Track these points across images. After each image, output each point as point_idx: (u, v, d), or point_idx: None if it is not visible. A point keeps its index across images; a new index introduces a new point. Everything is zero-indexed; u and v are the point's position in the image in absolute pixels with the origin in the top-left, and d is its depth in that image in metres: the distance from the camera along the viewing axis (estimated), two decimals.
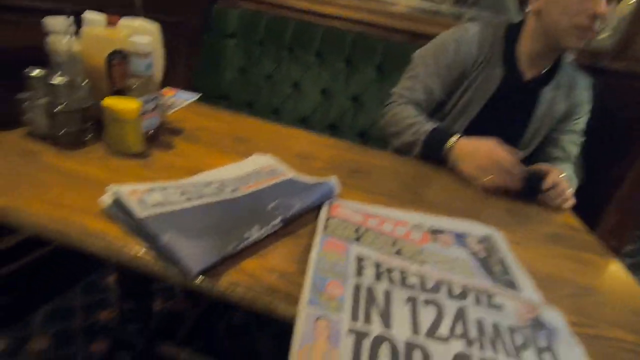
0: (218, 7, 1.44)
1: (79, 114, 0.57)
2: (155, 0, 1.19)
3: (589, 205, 0.75)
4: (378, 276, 0.39)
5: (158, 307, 1.13)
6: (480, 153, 0.74)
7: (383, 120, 0.93)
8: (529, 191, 0.73)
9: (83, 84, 0.58)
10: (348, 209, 0.53)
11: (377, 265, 0.41)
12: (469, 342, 0.34)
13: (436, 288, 0.40)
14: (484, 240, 0.53)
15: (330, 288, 0.36)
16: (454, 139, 0.78)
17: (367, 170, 0.73)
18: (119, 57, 0.58)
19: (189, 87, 1.41)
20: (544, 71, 0.85)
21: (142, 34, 0.59)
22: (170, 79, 1.37)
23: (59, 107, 0.54)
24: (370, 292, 0.37)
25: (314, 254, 0.40)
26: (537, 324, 0.37)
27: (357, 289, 0.37)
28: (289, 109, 1.40)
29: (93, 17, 0.61)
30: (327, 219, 0.48)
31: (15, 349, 0.96)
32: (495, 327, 0.36)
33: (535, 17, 0.81)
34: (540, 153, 0.92)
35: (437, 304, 0.37)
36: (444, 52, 0.86)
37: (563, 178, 0.72)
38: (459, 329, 0.35)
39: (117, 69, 0.59)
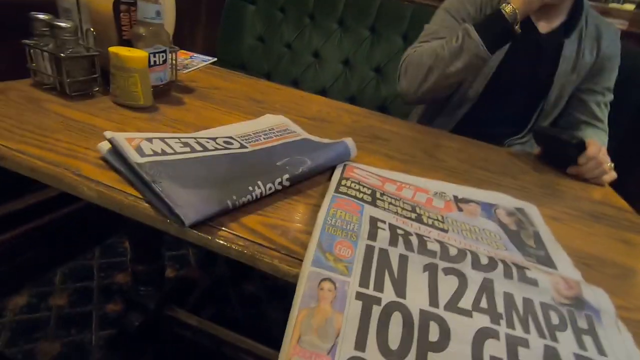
0: None
1: (86, 61, 0.54)
2: None
3: (628, 188, 0.67)
4: (393, 240, 0.34)
5: (171, 274, 1.14)
6: None
7: (404, 68, 0.82)
8: (563, 159, 0.66)
9: (90, 31, 0.55)
10: (365, 172, 0.48)
11: (394, 228, 0.36)
12: (495, 318, 0.29)
13: (460, 257, 0.33)
14: (516, 212, 0.47)
15: (339, 248, 0.32)
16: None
17: (387, 137, 0.68)
18: (125, 3, 0.55)
19: (208, 54, 1.38)
20: (560, 22, 0.79)
21: None
22: (189, 47, 1.35)
23: (65, 53, 0.52)
24: (383, 254, 0.32)
25: (323, 211, 0.36)
26: (578, 303, 0.32)
27: (369, 250, 0.32)
28: (308, 80, 1.34)
29: None
30: (341, 179, 0.44)
31: (36, 304, 0.99)
32: (528, 303, 0.31)
33: None
34: (565, 115, 0.85)
35: (460, 273, 0.32)
36: (458, 4, 0.83)
37: (603, 152, 0.65)
38: (483, 303, 0.30)
39: (125, 16, 0.56)
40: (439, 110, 0.92)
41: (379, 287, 0.29)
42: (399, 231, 0.35)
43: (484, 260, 0.34)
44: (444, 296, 0.30)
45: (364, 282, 0.29)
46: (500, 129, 0.87)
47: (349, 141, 0.51)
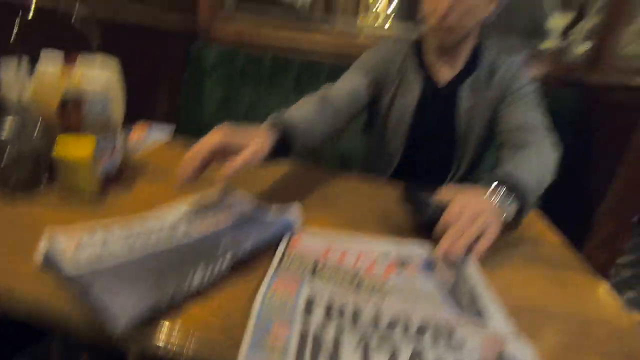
0: (198, 44, 1.47)
1: (32, 158, 0.56)
2: (137, 43, 1.21)
3: (578, 218, 0.72)
4: (328, 316, 0.36)
5: None
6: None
7: None
8: (424, 225, 0.57)
9: (36, 127, 0.57)
10: (309, 241, 0.51)
11: (329, 304, 0.38)
12: None
13: (392, 325, 0.36)
14: (454, 266, 0.50)
15: (276, 329, 0.34)
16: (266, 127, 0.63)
17: (336, 196, 0.71)
18: (73, 99, 0.58)
19: (172, 121, 1.43)
20: (457, 72, 0.86)
21: (99, 73, 0.59)
22: (152, 115, 1.39)
23: (8, 152, 0.53)
24: (316, 340, 0.34)
25: (259, 296, 0.38)
26: None
27: (302, 337, 0.34)
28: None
29: (49, 57, 0.61)
30: (284, 254, 0.46)
31: None
32: None
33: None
34: (497, 139, 0.85)
35: (391, 344, 0.34)
36: (367, 59, 0.90)
37: (467, 216, 0.51)
38: None
39: (72, 111, 0.58)
40: (373, 165, 0.99)
41: None
42: (335, 306, 0.38)
43: (414, 328, 0.37)
44: None
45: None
46: (430, 178, 0.91)
47: (294, 211, 0.54)
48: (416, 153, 0.92)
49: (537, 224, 0.70)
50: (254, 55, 1.41)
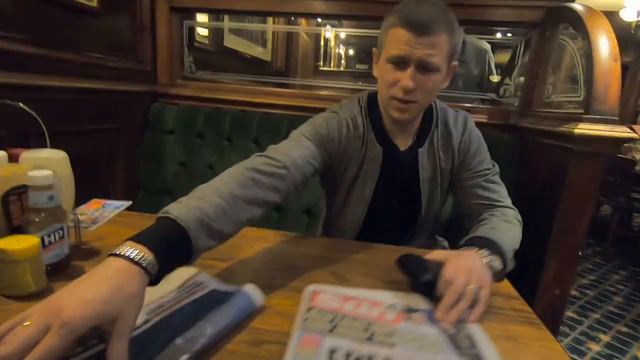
0: (156, 106, 1.49)
1: None
2: (88, 108, 1.21)
3: (532, 255, 0.76)
4: None
5: None
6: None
7: None
8: (423, 288, 0.61)
9: None
10: (327, 294, 0.58)
11: (347, 354, 0.45)
12: None
13: None
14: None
15: None
16: (140, 252, 0.44)
17: (300, 263, 0.71)
18: (16, 193, 0.57)
19: (132, 186, 1.40)
20: (415, 136, 0.85)
21: (45, 166, 0.58)
22: (108, 184, 1.36)
23: None
24: None
25: (290, 350, 0.45)
26: None
27: None
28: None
29: None
30: (308, 311, 0.54)
31: None
32: None
33: (378, 87, 0.82)
34: (460, 206, 0.91)
35: None
36: (321, 131, 0.80)
37: (457, 284, 0.57)
38: None
39: (15, 205, 0.57)
40: (335, 228, 0.97)
41: None
42: (353, 357, 0.45)
43: None
44: None
45: None
46: (391, 236, 0.90)
47: (252, 290, 0.54)
48: (377, 221, 0.90)
49: None
50: (214, 113, 1.45)
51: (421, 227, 0.95)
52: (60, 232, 0.59)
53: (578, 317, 2.02)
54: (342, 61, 7.14)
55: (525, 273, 0.73)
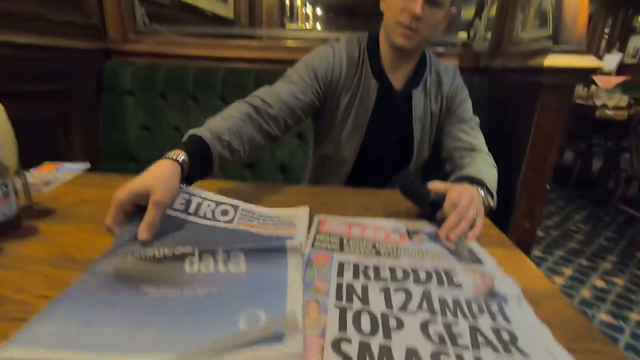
0: (110, 65, 1.37)
1: None
2: (33, 67, 1.09)
3: (505, 193, 0.77)
4: (356, 275, 0.46)
5: None
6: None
7: None
8: (427, 213, 0.66)
9: None
10: (334, 222, 0.62)
11: (356, 267, 0.48)
12: (433, 313, 0.40)
13: (405, 277, 0.46)
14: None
15: (317, 284, 0.44)
16: (174, 154, 0.57)
17: (339, 204, 0.69)
18: None
19: (93, 154, 1.31)
20: (409, 76, 0.89)
21: None
22: (65, 151, 1.26)
23: None
24: (350, 287, 0.44)
25: (302, 265, 0.46)
26: (491, 294, 0.44)
27: (339, 286, 0.44)
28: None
29: None
30: (316, 235, 0.56)
31: None
32: (455, 301, 0.42)
33: (383, 20, 0.86)
34: (441, 150, 0.94)
35: (406, 289, 0.44)
36: (316, 65, 0.84)
37: (462, 205, 0.60)
38: (424, 306, 0.41)
39: None
40: (324, 172, 0.98)
41: (349, 301, 0.41)
42: (361, 268, 0.48)
43: (423, 276, 0.47)
44: (396, 304, 0.41)
45: (338, 297, 0.41)
46: (384, 175, 0.97)
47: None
48: (369, 159, 0.93)
49: None
50: (175, 70, 1.35)
51: (409, 174, 0.96)
52: (4, 187, 0.54)
53: (543, 255, 2.16)
54: (310, 21, 6.85)
55: (496, 211, 0.74)
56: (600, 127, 3.02)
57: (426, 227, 0.63)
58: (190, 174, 0.58)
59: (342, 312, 0.39)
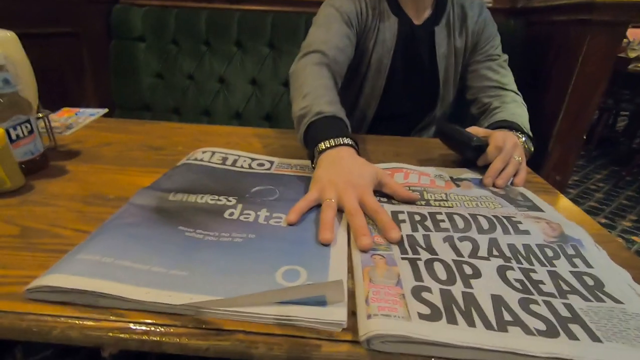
0: (119, 8, 1.29)
1: None
2: (44, 14, 1.03)
3: (536, 143, 0.73)
4: (414, 227, 0.42)
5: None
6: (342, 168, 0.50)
7: (291, 72, 0.73)
8: (466, 159, 0.63)
9: None
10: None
11: (411, 217, 0.44)
12: (507, 259, 0.37)
13: (467, 227, 0.42)
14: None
15: (377, 238, 0.39)
16: (329, 143, 0.54)
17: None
18: None
19: (105, 103, 1.27)
20: (430, 12, 0.84)
21: None
22: (76, 98, 1.23)
23: None
24: (411, 237, 0.40)
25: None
26: (563, 238, 0.41)
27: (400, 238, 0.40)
28: (219, 107, 1.30)
29: None
30: None
31: None
32: (527, 247, 0.39)
33: None
34: (468, 92, 0.89)
35: (471, 239, 0.40)
36: (345, 8, 0.80)
37: (507, 150, 0.58)
38: (495, 252, 0.38)
39: None
40: (349, 113, 0.94)
41: (416, 253, 0.38)
42: (417, 217, 0.44)
43: (486, 225, 0.43)
44: (465, 252, 0.38)
45: (403, 252, 0.38)
46: (408, 121, 0.92)
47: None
48: (393, 104, 0.89)
49: None
50: (187, 13, 1.27)
51: (434, 119, 0.92)
52: (28, 125, 0.51)
53: None
54: None
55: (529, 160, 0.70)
56: (631, 82, 2.85)
57: (469, 173, 0.59)
58: None
59: (413, 263, 0.36)
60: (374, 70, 0.86)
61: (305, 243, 0.39)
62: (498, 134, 0.60)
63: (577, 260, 0.37)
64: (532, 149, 0.69)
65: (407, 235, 0.40)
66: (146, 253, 0.35)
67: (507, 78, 0.83)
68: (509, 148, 0.58)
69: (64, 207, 0.45)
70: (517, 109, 0.75)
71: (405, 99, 0.90)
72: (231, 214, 0.43)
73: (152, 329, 0.29)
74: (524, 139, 0.66)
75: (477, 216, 0.45)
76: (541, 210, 0.48)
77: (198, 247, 0.37)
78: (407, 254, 0.37)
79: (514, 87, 0.82)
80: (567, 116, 0.93)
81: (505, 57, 0.86)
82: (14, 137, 0.50)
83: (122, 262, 0.33)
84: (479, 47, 0.85)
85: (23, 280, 0.31)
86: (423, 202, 0.49)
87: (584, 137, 0.96)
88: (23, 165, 0.50)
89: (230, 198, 0.46)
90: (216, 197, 0.46)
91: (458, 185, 0.55)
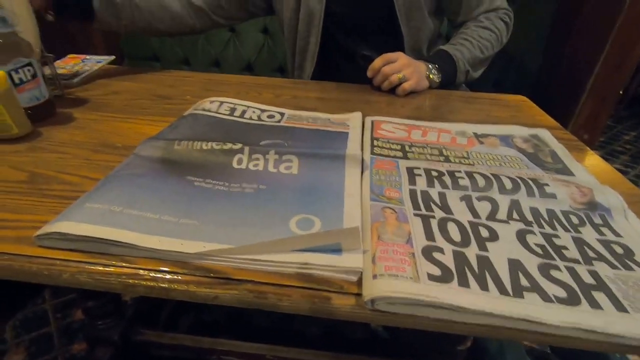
0: None
1: None
2: None
3: (567, 97, 0.68)
4: (430, 182, 0.40)
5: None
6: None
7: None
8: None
9: None
10: (391, 125, 0.54)
11: (428, 172, 0.41)
12: (528, 223, 0.35)
13: (488, 186, 0.39)
14: (531, 139, 0.52)
15: (388, 192, 0.37)
16: None
17: (313, 105, 0.63)
18: None
19: (113, 52, 1.23)
20: None
21: None
22: (82, 45, 1.19)
23: None
24: (425, 193, 0.38)
25: (366, 172, 0.41)
26: (592, 206, 0.37)
27: (413, 192, 0.38)
28: (230, 58, 1.25)
29: None
30: (372, 140, 0.49)
31: None
32: (550, 212, 0.36)
33: None
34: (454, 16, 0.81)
35: (491, 199, 0.37)
36: None
37: (391, 66, 0.68)
38: (515, 215, 0.36)
39: None
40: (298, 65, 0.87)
41: (430, 210, 0.35)
42: (434, 173, 0.41)
43: (509, 185, 0.39)
44: (483, 213, 0.35)
45: (416, 208, 0.35)
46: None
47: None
48: (339, 46, 0.81)
49: (530, 110, 0.68)
50: None
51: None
52: (30, 68, 0.49)
53: None
54: None
55: (557, 116, 0.65)
56: None
57: (493, 129, 0.55)
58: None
59: (425, 221, 0.33)
60: (307, 23, 0.78)
61: (317, 191, 0.37)
62: (396, 54, 0.68)
63: (604, 229, 0.35)
64: (440, 81, 0.72)
65: (421, 191, 0.38)
66: (155, 202, 0.34)
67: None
68: (395, 64, 0.67)
69: (71, 155, 0.44)
70: (472, 32, 0.75)
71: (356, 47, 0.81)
72: (240, 160, 0.41)
73: (160, 275, 0.28)
74: (432, 69, 0.71)
75: (500, 176, 0.41)
76: (571, 174, 0.44)
77: (208, 196, 0.36)
78: (420, 210, 0.35)
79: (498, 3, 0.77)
80: (605, 66, 0.85)
81: None
82: (16, 80, 0.48)
83: (132, 211, 0.32)
84: None
85: (32, 225, 0.31)
86: (442, 159, 0.46)
87: (620, 93, 0.89)
88: (29, 111, 0.49)
89: (238, 143, 0.44)
90: (221, 143, 0.44)
91: (482, 143, 0.51)
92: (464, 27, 0.78)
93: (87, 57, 0.82)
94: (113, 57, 0.82)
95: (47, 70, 0.60)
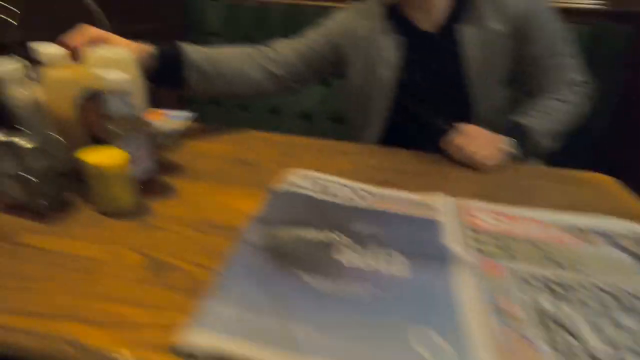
0: (197, 3, 1.30)
1: (55, 175, 0.48)
2: (125, 10, 1.06)
3: None
4: (554, 298, 0.36)
5: None
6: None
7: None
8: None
9: (54, 137, 0.49)
10: (482, 213, 0.50)
11: (547, 284, 0.38)
12: None
13: (610, 301, 0.36)
14: (628, 235, 0.47)
15: (502, 304, 0.35)
16: None
17: (397, 180, 0.63)
18: (90, 99, 0.49)
19: (181, 97, 1.30)
20: (442, 9, 0.75)
21: (113, 67, 0.49)
22: (149, 92, 1.26)
23: (30, 172, 0.45)
24: (557, 320, 0.34)
25: (474, 271, 0.39)
26: None
27: (539, 312, 0.35)
28: (288, 105, 1.29)
29: (50, 52, 0.50)
30: (467, 231, 0.46)
31: None
32: None
33: None
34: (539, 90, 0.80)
35: (617, 323, 0.34)
36: (330, 22, 0.86)
37: (466, 136, 0.69)
38: None
39: (91, 113, 0.49)
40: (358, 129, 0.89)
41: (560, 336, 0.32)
42: (553, 286, 0.38)
43: (631, 302, 0.36)
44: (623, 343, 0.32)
45: (545, 329, 0.33)
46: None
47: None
48: (408, 119, 0.82)
49: (617, 192, 0.64)
50: (262, 9, 1.25)
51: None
52: (145, 143, 0.53)
53: None
54: None
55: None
56: None
57: (593, 222, 0.50)
58: (159, 69, 0.70)
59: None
60: (376, 91, 0.81)
61: (429, 299, 0.37)
62: (471, 127, 0.70)
63: None
64: (516, 155, 0.70)
65: (547, 313, 0.35)
66: (279, 310, 0.35)
67: (558, 56, 0.76)
68: (470, 137, 0.68)
69: (174, 232, 0.46)
70: (544, 107, 0.75)
71: (420, 123, 0.81)
72: (340, 251, 0.42)
73: None
74: (508, 141, 0.70)
75: (622, 287, 0.37)
76: None
77: (325, 302, 0.36)
78: (547, 331, 0.33)
79: (568, 67, 0.77)
80: None
81: (566, 35, 0.76)
82: (133, 158, 0.51)
83: (259, 319, 0.33)
84: (530, 37, 0.73)
85: (160, 322, 0.33)
86: (552, 264, 0.41)
87: None
88: (141, 186, 0.52)
89: (336, 231, 0.45)
90: (321, 230, 0.45)
91: (587, 240, 0.46)
92: (540, 98, 0.78)
93: (168, 111, 0.86)
94: (195, 115, 0.85)
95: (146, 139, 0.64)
